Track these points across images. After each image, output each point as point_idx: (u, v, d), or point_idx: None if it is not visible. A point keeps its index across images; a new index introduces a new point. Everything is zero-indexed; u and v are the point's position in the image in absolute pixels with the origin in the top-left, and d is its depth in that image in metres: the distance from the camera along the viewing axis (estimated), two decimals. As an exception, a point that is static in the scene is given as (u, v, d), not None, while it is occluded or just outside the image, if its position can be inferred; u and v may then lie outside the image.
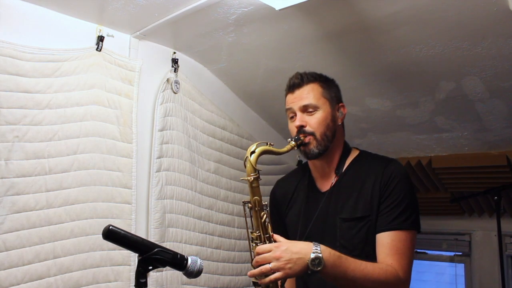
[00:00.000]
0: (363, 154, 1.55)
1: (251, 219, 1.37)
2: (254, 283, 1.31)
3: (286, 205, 1.61)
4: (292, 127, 1.48)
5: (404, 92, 2.24)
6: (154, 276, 1.97)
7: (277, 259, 1.21)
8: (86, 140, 1.82)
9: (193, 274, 1.18)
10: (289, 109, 1.49)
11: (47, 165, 1.70)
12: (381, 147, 2.73)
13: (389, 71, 2.10)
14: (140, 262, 1.11)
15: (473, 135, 2.42)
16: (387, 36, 1.86)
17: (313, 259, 1.20)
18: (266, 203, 1.37)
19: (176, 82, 2.18)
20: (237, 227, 2.48)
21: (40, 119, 1.69)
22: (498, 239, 2.52)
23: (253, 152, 1.35)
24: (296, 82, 1.49)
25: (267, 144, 1.39)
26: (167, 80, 2.14)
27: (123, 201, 1.92)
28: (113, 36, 1.97)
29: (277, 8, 1.67)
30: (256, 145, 1.37)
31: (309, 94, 1.46)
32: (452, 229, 3.10)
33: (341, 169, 1.50)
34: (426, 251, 3.25)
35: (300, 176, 1.63)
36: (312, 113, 1.45)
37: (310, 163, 1.57)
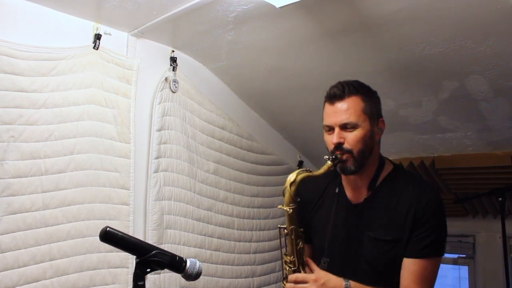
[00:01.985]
0: (397, 170, 1.54)
1: (286, 244, 1.46)
2: None
3: (313, 207, 1.61)
4: (329, 141, 1.45)
5: (407, 92, 2.24)
6: (152, 279, 1.97)
7: None
8: (83, 140, 1.82)
9: (192, 276, 1.18)
10: (327, 124, 1.46)
11: (43, 166, 1.70)
12: (383, 147, 2.70)
13: (391, 70, 2.10)
14: (138, 265, 1.11)
15: (477, 135, 2.42)
16: (390, 35, 1.86)
17: None
18: (302, 229, 1.44)
19: (175, 81, 2.18)
20: (237, 229, 2.48)
21: (36, 119, 1.69)
22: (503, 241, 2.52)
23: (292, 182, 1.38)
24: (338, 93, 1.44)
25: (306, 171, 1.41)
26: (166, 79, 2.14)
27: (121, 202, 1.92)
28: (110, 34, 1.97)
29: (277, 6, 1.67)
30: (296, 174, 1.38)
31: (349, 110, 1.42)
32: (456, 231, 3.10)
33: (375, 184, 1.49)
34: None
35: (329, 180, 1.60)
36: (351, 130, 1.42)
37: (342, 175, 1.55)
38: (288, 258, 1.45)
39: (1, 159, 1.59)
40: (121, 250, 1.16)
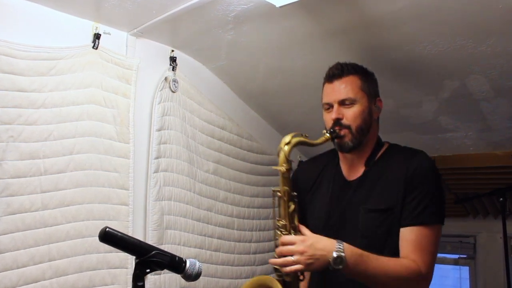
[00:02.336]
0: (392, 146, 1.58)
1: (279, 208, 1.42)
2: (276, 269, 1.38)
3: (309, 190, 1.63)
4: (328, 118, 1.50)
5: (408, 91, 2.24)
6: (152, 279, 1.96)
7: (301, 253, 1.27)
8: (82, 140, 1.82)
9: (192, 277, 1.18)
10: (326, 101, 1.51)
11: (42, 166, 1.70)
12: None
13: (392, 69, 2.09)
14: (137, 265, 1.11)
15: (477, 135, 2.42)
16: (390, 34, 1.86)
17: (336, 258, 1.25)
18: (295, 193, 1.42)
19: (175, 80, 2.18)
20: (237, 229, 2.48)
21: (35, 119, 1.69)
22: (504, 242, 2.52)
23: (287, 143, 1.41)
24: (336, 73, 1.51)
25: (302, 135, 1.44)
26: (165, 78, 2.14)
27: (120, 203, 1.91)
28: (109, 34, 1.96)
29: (277, 5, 1.67)
30: (291, 136, 1.42)
31: (347, 86, 1.48)
32: (456, 231, 3.10)
33: (371, 162, 1.52)
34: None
35: (326, 162, 1.64)
36: (350, 106, 1.47)
37: (340, 153, 1.58)
38: (280, 223, 1.41)
39: (0, 159, 1.59)
40: (120, 251, 1.16)
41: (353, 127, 1.46)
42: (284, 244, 1.32)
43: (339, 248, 1.26)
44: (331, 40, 1.98)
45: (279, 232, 1.41)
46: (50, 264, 1.68)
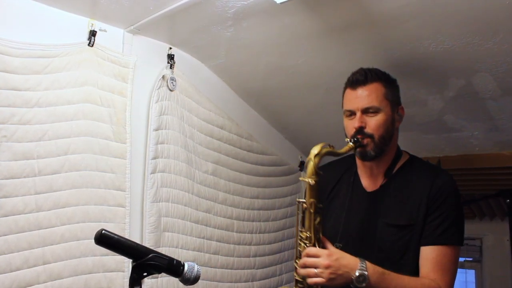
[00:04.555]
0: (413, 159, 1.58)
1: (304, 219, 1.42)
2: (297, 281, 1.41)
3: (327, 195, 1.63)
4: (350, 126, 1.49)
5: (412, 90, 2.24)
6: (149, 283, 1.97)
7: (326, 267, 1.29)
8: (77, 140, 1.82)
9: (190, 281, 1.18)
10: (349, 108, 1.50)
11: (37, 166, 1.69)
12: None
13: (395, 67, 2.09)
14: (134, 268, 1.11)
15: (484, 134, 2.42)
16: (394, 31, 1.86)
17: (359, 276, 1.28)
18: (321, 205, 1.42)
19: (172, 79, 2.18)
20: (236, 232, 2.48)
21: (29, 118, 1.69)
22: (511, 244, 2.52)
23: (317, 154, 1.40)
24: (360, 79, 1.49)
25: (329, 145, 1.43)
26: (163, 77, 2.14)
27: (117, 204, 1.91)
28: (105, 31, 1.96)
29: (278, 2, 1.67)
30: (320, 147, 1.41)
31: (372, 94, 1.47)
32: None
33: (391, 171, 1.52)
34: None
35: (345, 169, 1.64)
36: (373, 115, 1.47)
37: (358, 161, 1.59)
38: (304, 234, 1.41)
39: (-7, 160, 1.59)
40: (117, 254, 1.16)
41: (376, 136, 1.46)
42: (309, 256, 1.34)
43: (362, 266, 1.29)
44: (333, 37, 1.98)
45: (302, 244, 1.42)
46: (44, 268, 1.68)
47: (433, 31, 1.80)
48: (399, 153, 1.57)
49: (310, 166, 1.39)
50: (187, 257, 2.15)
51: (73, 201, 1.79)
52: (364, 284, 1.28)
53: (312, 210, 1.39)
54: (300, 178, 1.46)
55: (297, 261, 1.42)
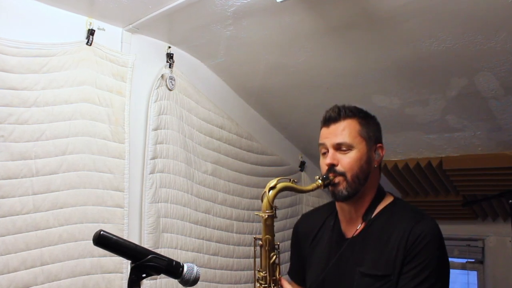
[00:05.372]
0: (396, 202, 1.49)
1: (260, 258, 1.39)
2: None
3: (309, 244, 1.58)
4: (323, 164, 1.44)
5: (414, 89, 2.24)
6: (148, 285, 1.97)
7: None
8: (75, 140, 1.82)
9: (189, 282, 1.17)
10: (322, 144, 1.45)
11: (34, 167, 1.70)
12: (389, 147, 2.73)
13: (397, 66, 2.09)
14: (133, 270, 1.11)
15: (486, 134, 2.42)
16: (395, 30, 1.86)
17: None
18: (278, 244, 1.39)
19: (171, 78, 2.18)
20: (236, 232, 2.48)
21: (27, 118, 1.69)
22: (513, 245, 2.52)
23: (272, 187, 1.35)
24: (333, 116, 1.44)
25: (290, 180, 1.38)
26: (162, 76, 2.14)
27: (115, 205, 1.91)
28: (104, 30, 1.96)
29: (278, 0, 1.67)
30: (277, 180, 1.36)
31: (344, 131, 1.42)
32: (464, 235, 3.11)
33: (369, 216, 1.45)
34: None
35: (327, 214, 1.59)
36: (346, 152, 1.40)
37: (337, 205, 1.53)
38: (260, 274, 1.37)
39: (-10, 160, 1.59)
40: (115, 255, 1.15)
41: (349, 175, 1.39)
42: None
43: None
44: (334, 36, 1.98)
45: (258, 285, 1.37)
46: (42, 269, 1.68)
47: (435, 30, 1.81)
48: (380, 195, 1.48)
49: (265, 200, 1.35)
50: (186, 258, 2.15)
51: (71, 201, 1.79)
52: None
53: (267, 248, 1.35)
54: (255, 213, 1.42)
55: None
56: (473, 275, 3.15)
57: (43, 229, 1.70)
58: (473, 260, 3.12)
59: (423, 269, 1.30)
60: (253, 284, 1.42)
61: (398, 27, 1.84)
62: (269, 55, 2.23)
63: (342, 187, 1.39)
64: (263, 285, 1.36)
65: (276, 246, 1.37)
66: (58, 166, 1.76)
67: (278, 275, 1.37)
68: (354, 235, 1.44)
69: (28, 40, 1.71)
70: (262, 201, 1.36)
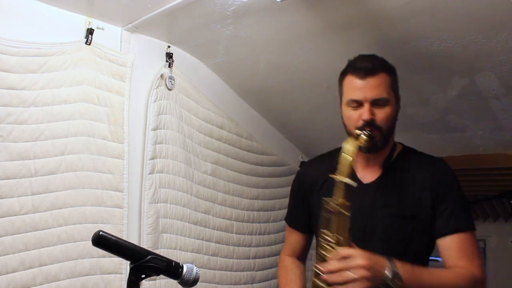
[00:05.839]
0: (408, 150, 1.58)
1: (331, 222, 1.33)
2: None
3: (317, 191, 1.56)
4: (355, 117, 1.41)
5: (414, 89, 2.24)
6: (147, 285, 1.97)
7: (367, 269, 1.20)
8: (74, 140, 1.82)
9: (189, 283, 1.17)
10: (354, 99, 1.41)
11: (33, 167, 1.70)
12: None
13: (397, 66, 2.07)
14: (132, 270, 1.11)
15: (488, 134, 2.42)
16: (396, 29, 1.86)
17: (394, 274, 1.22)
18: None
19: (171, 78, 2.18)
20: (236, 233, 2.48)
21: (26, 118, 1.69)
22: (515, 246, 2.52)
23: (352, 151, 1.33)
24: (369, 67, 1.40)
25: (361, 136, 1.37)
26: (161, 76, 2.14)
27: (114, 205, 1.91)
28: (103, 29, 1.96)
29: (278, -1, 1.67)
30: (353, 141, 1.35)
31: (381, 85, 1.41)
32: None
33: (389, 162, 1.51)
34: (438, 259, 3.24)
35: (334, 162, 1.55)
36: (382, 107, 1.41)
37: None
38: (334, 238, 1.31)
39: (-12, 160, 1.59)
40: (114, 255, 1.15)
41: (384, 128, 1.41)
42: (344, 257, 1.23)
43: (393, 264, 1.23)
44: (334, 35, 1.98)
45: (328, 247, 1.32)
46: (40, 269, 1.68)
47: (436, 29, 1.81)
48: (394, 143, 1.57)
49: (347, 163, 1.30)
50: (186, 258, 2.16)
51: (70, 202, 1.79)
52: (399, 282, 1.21)
53: (346, 213, 1.31)
54: (334, 176, 1.34)
55: (317, 265, 1.31)
56: (474, 276, 3.15)
57: (42, 230, 1.70)
58: (474, 261, 3.12)
59: (456, 205, 1.41)
60: (317, 247, 1.37)
61: (398, 27, 1.84)
62: (269, 54, 2.23)
63: (378, 140, 1.42)
64: (334, 247, 1.31)
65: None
66: (57, 166, 1.76)
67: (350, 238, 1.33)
68: (374, 180, 1.49)
69: (27, 40, 1.71)
70: (340, 164, 1.33)
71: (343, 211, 1.32)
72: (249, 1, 1.78)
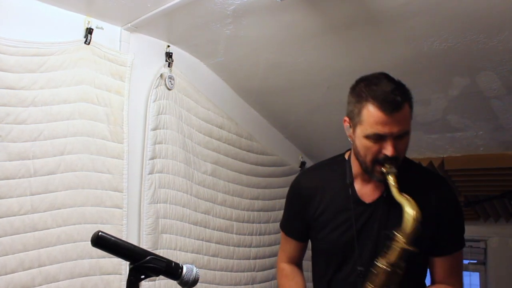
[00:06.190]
0: (408, 162, 1.52)
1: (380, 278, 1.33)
2: None
3: (317, 202, 1.55)
4: (375, 150, 1.36)
5: (415, 89, 2.20)
6: (146, 286, 1.97)
7: None
8: (73, 140, 1.82)
9: (189, 283, 1.17)
10: (380, 134, 1.33)
11: (32, 167, 1.69)
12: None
13: (398, 66, 2.09)
14: (131, 271, 1.11)
15: (488, 134, 2.42)
16: (397, 29, 1.86)
17: None
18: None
19: (170, 77, 2.18)
20: (236, 233, 2.48)
21: (25, 118, 1.69)
22: (516, 246, 2.52)
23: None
24: (398, 102, 1.31)
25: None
26: (161, 75, 2.14)
27: (114, 205, 1.91)
28: (102, 28, 1.96)
29: (278, -2, 1.67)
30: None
31: (406, 118, 1.34)
32: (466, 236, 3.06)
33: None
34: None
35: (335, 173, 1.55)
36: (403, 138, 1.36)
37: (355, 170, 1.51)
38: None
39: (-13, 160, 1.59)
40: (114, 256, 1.15)
41: (401, 158, 1.38)
42: None
43: None
44: (335, 35, 1.98)
45: None
46: (40, 270, 1.68)
47: (437, 29, 1.81)
48: None
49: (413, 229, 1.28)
50: (186, 259, 2.15)
51: (69, 202, 1.79)
52: None
53: (399, 271, 1.31)
54: (400, 246, 1.31)
55: None
56: (475, 277, 3.15)
57: (41, 230, 1.70)
58: (475, 261, 3.12)
59: (455, 228, 1.47)
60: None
61: (399, 26, 1.84)
62: (269, 54, 2.23)
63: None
64: None
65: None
66: (56, 167, 1.76)
67: None
68: (376, 199, 1.47)
69: (26, 39, 1.71)
70: (410, 233, 1.30)
71: (399, 270, 1.32)
72: (249, 1, 1.78)
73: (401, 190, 1.37)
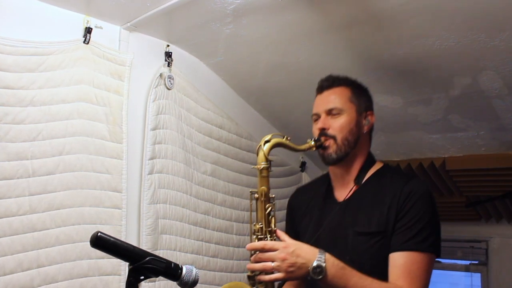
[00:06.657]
0: (386, 167, 1.59)
1: (256, 211, 1.44)
2: (249, 277, 1.38)
3: (301, 214, 1.65)
4: (315, 129, 1.55)
5: (416, 88, 2.24)
6: (146, 287, 1.97)
7: (282, 260, 1.27)
8: (72, 140, 1.82)
9: (188, 284, 1.18)
10: (315, 114, 1.57)
11: (31, 167, 1.70)
12: (391, 147, 2.73)
13: (399, 65, 2.10)
14: (131, 272, 1.11)
15: (490, 134, 2.42)
16: (398, 28, 1.86)
17: (315, 267, 1.26)
18: (273, 195, 1.44)
19: (170, 77, 2.18)
20: (236, 234, 2.48)
21: (23, 117, 1.69)
22: (517, 247, 2.52)
23: (267, 141, 1.44)
24: (325, 84, 1.56)
25: (284, 137, 1.47)
26: (160, 75, 2.14)
27: (113, 206, 1.91)
28: (101, 28, 1.96)
29: (278, -2, 1.67)
30: (272, 135, 1.46)
31: (336, 97, 1.53)
32: (468, 236, 3.10)
33: (361, 179, 1.53)
34: (440, 260, 3.25)
35: (320, 185, 1.67)
36: (336, 116, 1.51)
37: (330, 170, 1.62)
38: (256, 226, 1.41)
39: (-15, 160, 1.59)
40: (113, 257, 1.16)
41: (339, 137, 1.49)
42: (265, 250, 1.30)
43: (320, 258, 1.26)
44: (335, 34, 1.98)
45: (254, 237, 1.41)
46: (38, 271, 1.68)
47: (438, 28, 1.81)
48: (370, 160, 1.57)
49: (260, 152, 1.44)
50: (185, 260, 2.16)
51: (68, 202, 1.79)
52: (320, 277, 1.25)
53: (263, 199, 1.42)
54: (252, 167, 1.51)
55: (251, 258, 1.37)
56: (476, 277, 3.15)
57: (40, 231, 1.70)
58: (476, 262, 3.12)
59: (416, 223, 1.38)
60: (249, 240, 1.45)
61: (400, 26, 1.84)
62: (270, 53, 2.23)
63: (332, 150, 1.49)
64: (258, 237, 1.40)
65: (272, 198, 1.44)
66: (55, 167, 1.76)
67: (274, 226, 1.42)
68: (346, 198, 1.51)
69: (25, 39, 1.71)
70: (257, 154, 1.46)
71: (262, 198, 1.42)
72: (249, 0, 1.78)
73: (371, 187, 1.49)
